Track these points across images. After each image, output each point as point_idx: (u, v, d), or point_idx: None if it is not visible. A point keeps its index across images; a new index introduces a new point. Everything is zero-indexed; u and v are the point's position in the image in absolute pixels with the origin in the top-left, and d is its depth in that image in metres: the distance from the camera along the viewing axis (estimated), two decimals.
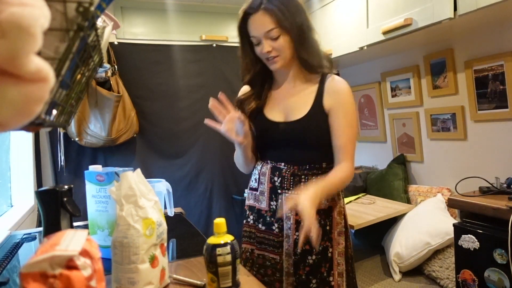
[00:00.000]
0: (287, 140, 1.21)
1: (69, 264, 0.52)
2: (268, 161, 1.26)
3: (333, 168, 1.18)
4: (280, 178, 1.22)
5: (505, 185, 1.50)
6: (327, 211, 1.25)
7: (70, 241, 0.56)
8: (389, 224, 2.01)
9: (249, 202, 1.32)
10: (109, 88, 2.11)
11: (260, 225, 1.26)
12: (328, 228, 1.25)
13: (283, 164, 1.22)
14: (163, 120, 2.36)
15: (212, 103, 1.18)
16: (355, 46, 2.10)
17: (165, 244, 0.86)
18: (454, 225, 1.50)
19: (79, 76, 0.62)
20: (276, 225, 1.23)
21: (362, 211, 2.02)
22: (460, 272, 1.46)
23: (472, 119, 1.92)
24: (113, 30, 1.06)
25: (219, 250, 0.78)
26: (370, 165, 2.64)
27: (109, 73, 2.07)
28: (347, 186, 2.35)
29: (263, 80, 1.28)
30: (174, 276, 0.89)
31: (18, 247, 1.18)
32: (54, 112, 0.52)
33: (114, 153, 2.23)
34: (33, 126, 0.48)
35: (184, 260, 1.03)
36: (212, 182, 2.46)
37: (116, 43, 2.23)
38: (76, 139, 2.06)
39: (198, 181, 2.43)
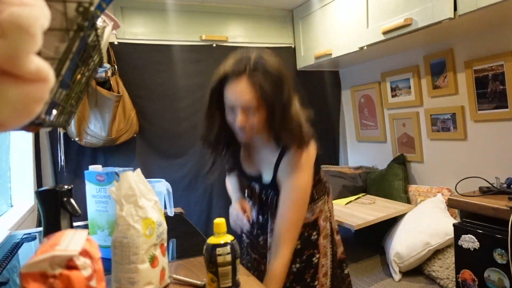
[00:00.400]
0: (266, 195, 1.25)
1: (69, 264, 0.52)
2: None
3: (273, 260, 1.10)
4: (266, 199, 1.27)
5: (505, 185, 1.50)
6: (313, 223, 1.26)
7: (70, 241, 0.56)
8: (389, 224, 2.01)
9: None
10: (109, 88, 2.11)
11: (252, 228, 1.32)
12: (315, 237, 1.26)
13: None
14: (163, 120, 2.36)
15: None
16: (355, 46, 2.11)
17: (165, 244, 0.86)
18: (454, 225, 1.50)
19: (79, 76, 0.62)
20: (262, 237, 1.28)
21: (362, 211, 2.02)
22: (460, 272, 1.46)
23: (472, 119, 1.92)
24: (113, 30, 1.06)
25: (219, 250, 0.78)
26: (370, 165, 2.64)
27: (109, 73, 2.07)
28: (347, 186, 2.36)
29: (228, 141, 1.19)
30: (174, 276, 0.89)
31: (18, 247, 1.18)
32: (54, 112, 0.52)
33: (114, 153, 2.23)
34: (33, 126, 0.48)
35: (184, 260, 1.03)
36: (212, 182, 2.46)
37: (116, 43, 2.23)
38: (76, 139, 2.06)
39: (198, 181, 2.43)
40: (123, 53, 2.25)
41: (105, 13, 0.85)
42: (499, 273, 1.32)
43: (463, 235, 1.44)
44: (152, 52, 2.33)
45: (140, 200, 0.79)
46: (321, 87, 2.85)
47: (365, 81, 2.63)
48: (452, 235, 1.54)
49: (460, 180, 1.65)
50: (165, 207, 1.40)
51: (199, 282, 0.86)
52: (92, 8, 0.45)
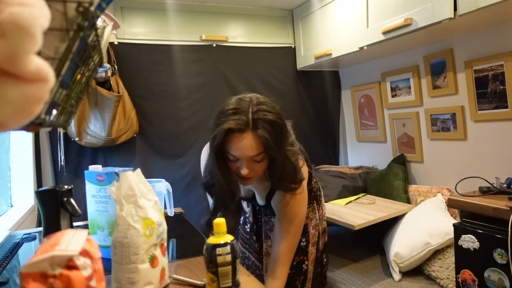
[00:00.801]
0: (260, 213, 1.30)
1: (69, 264, 0.52)
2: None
3: (269, 284, 1.15)
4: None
5: (505, 185, 1.50)
6: (303, 229, 1.30)
7: (70, 241, 0.56)
8: (389, 224, 2.01)
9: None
10: (109, 88, 2.11)
11: (246, 227, 1.37)
12: (304, 243, 1.32)
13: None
14: (163, 120, 2.36)
15: None
16: (355, 46, 2.10)
17: (165, 244, 0.86)
18: (454, 225, 1.50)
19: (79, 76, 0.62)
20: (257, 244, 1.34)
21: (362, 211, 2.02)
22: (460, 272, 1.46)
23: (472, 119, 1.92)
24: (113, 30, 1.06)
25: (219, 250, 0.78)
26: (370, 165, 2.64)
27: (109, 73, 2.07)
28: (347, 186, 2.36)
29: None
30: (174, 276, 0.89)
31: (18, 247, 1.18)
32: (54, 112, 0.52)
33: (114, 153, 2.23)
34: (33, 126, 0.48)
35: (184, 260, 1.03)
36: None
37: (116, 43, 2.23)
38: (76, 139, 2.06)
39: (198, 181, 2.42)
40: (123, 53, 2.25)
41: (105, 13, 0.85)
42: (499, 273, 1.32)
43: (463, 235, 1.44)
44: (152, 52, 2.33)
45: (140, 200, 0.79)
46: (321, 87, 2.85)
47: (365, 81, 2.63)
48: (452, 235, 1.54)
49: (460, 180, 1.64)
50: (165, 207, 1.40)
51: (199, 282, 0.86)
52: (92, 8, 0.45)
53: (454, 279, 1.51)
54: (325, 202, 2.22)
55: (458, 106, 1.97)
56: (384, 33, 1.87)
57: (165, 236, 0.85)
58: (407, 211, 2.01)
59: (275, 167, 1.04)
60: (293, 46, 2.72)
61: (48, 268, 0.50)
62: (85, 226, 1.23)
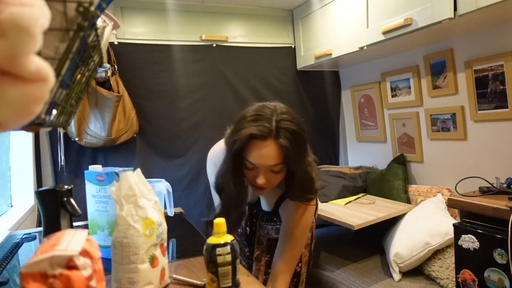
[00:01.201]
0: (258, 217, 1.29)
1: (69, 264, 0.52)
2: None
3: (272, 282, 1.15)
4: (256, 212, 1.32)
5: (505, 185, 1.50)
6: None
7: (70, 241, 0.56)
8: (389, 224, 2.01)
9: None
10: (109, 88, 2.11)
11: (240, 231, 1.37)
12: None
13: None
14: (163, 120, 2.36)
15: None
16: (355, 46, 2.10)
17: (165, 244, 0.86)
18: (454, 225, 1.50)
19: (79, 76, 0.62)
20: (248, 248, 1.33)
21: (362, 211, 2.02)
22: (460, 272, 1.46)
23: (472, 119, 1.92)
24: (113, 30, 1.06)
25: (219, 250, 0.78)
26: (370, 165, 2.64)
27: (109, 73, 2.07)
28: (347, 186, 2.36)
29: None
30: (174, 276, 0.89)
31: (18, 247, 1.18)
32: (54, 112, 0.52)
33: (114, 153, 2.23)
34: (33, 126, 0.48)
35: (184, 260, 1.03)
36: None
37: (116, 43, 2.23)
38: (76, 139, 2.06)
39: (198, 181, 2.43)
40: (123, 53, 2.25)
41: (105, 13, 0.85)
42: (499, 273, 1.32)
43: (463, 235, 1.44)
44: (152, 52, 2.33)
45: (140, 200, 0.79)
46: (321, 87, 2.85)
47: (365, 81, 2.63)
48: (452, 235, 1.54)
49: (460, 180, 1.64)
50: (165, 207, 1.40)
51: (199, 282, 0.86)
52: (92, 8, 0.45)
53: (454, 279, 1.51)
54: (325, 202, 2.23)
55: (458, 106, 1.97)
56: (384, 33, 1.87)
57: (165, 236, 0.85)
58: (407, 211, 2.01)
59: (293, 178, 1.03)
60: (293, 46, 2.72)
61: (48, 268, 0.50)
62: (85, 226, 1.23)
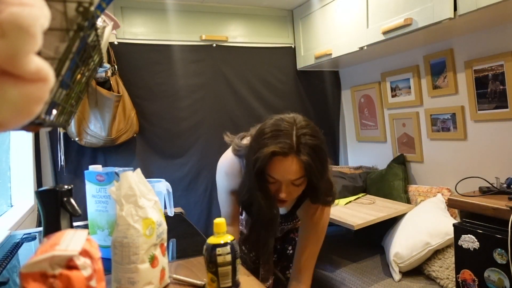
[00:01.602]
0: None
1: (69, 264, 0.52)
2: None
3: (296, 282, 1.19)
4: None
5: (505, 185, 1.50)
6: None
7: (70, 241, 0.56)
8: (389, 224, 2.01)
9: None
10: (109, 88, 2.11)
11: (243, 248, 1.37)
12: None
13: None
14: (163, 120, 2.36)
15: None
16: (355, 46, 2.10)
17: (165, 244, 0.86)
18: (454, 225, 1.50)
19: (79, 76, 0.62)
20: (253, 253, 1.34)
21: (362, 211, 2.02)
22: (460, 272, 1.46)
23: (472, 119, 1.92)
24: (113, 30, 1.06)
25: (219, 250, 0.78)
26: (370, 165, 2.64)
27: (109, 73, 2.07)
28: (347, 186, 2.36)
29: None
30: (174, 276, 0.89)
31: (18, 247, 1.18)
32: (54, 112, 0.52)
33: (114, 153, 2.23)
34: (33, 126, 0.48)
35: (184, 260, 1.03)
36: (212, 182, 2.46)
37: (116, 43, 2.23)
38: (76, 139, 2.06)
39: (198, 181, 2.43)
40: (123, 53, 2.25)
41: (105, 13, 0.85)
42: (499, 273, 1.32)
43: (463, 235, 1.44)
44: (152, 52, 2.33)
45: (140, 200, 0.79)
46: (321, 87, 2.85)
47: (365, 81, 2.63)
48: (452, 235, 1.54)
49: (460, 180, 1.64)
50: (165, 207, 1.40)
51: (199, 282, 0.86)
52: (92, 8, 0.45)
53: (454, 279, 1.51)
54: None
55: (458, 106, 1.97)
56: (384, 33, 1.87)
57: (165, 236, 0.85)
58: (407, 211, 2.01)
59: (315, 189, 1.04)
60: (293, 46, 2.72)
61: (48, 268, 0.50)
62: (85, 226, 1.23)
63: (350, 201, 2.24)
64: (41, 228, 1.06)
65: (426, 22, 1.65)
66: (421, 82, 2.19)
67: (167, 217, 0.99)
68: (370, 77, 2.57)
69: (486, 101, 1.83)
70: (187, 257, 1.04)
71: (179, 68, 2.39)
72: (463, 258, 1.45)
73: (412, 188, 2.22)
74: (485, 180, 1.57)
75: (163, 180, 1.42)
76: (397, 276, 1.78)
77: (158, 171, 2.30)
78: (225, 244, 0.79)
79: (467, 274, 1.43)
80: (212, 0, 2.42)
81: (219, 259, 0.78)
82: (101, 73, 2.01)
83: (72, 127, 2.03)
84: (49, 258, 0.50)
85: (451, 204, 1.55)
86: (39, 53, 0.34)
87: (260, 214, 1.08)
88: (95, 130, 2.06)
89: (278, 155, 0.95)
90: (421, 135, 2.26)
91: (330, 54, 2.30)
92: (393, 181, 2.26)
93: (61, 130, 2.06)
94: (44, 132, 2.08)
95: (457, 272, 1.48)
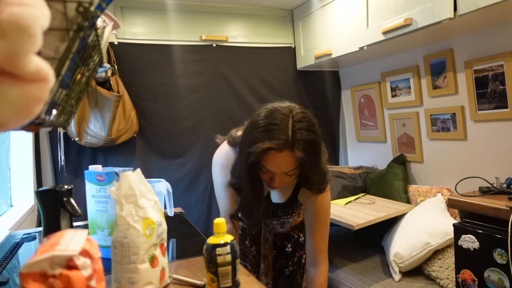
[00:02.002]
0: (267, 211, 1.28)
1: (69, 264, 0.52)
2: None
3: (314, 272, 1.20)
4: None
5: (505, 185, 1.50)
6: (300, 225, 1.34)
7: (70, 241, 0.56)
8: (389, 224, 2.01)
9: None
10: (109, 88, 2.11)
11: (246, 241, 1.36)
12: (302, 238, 1.35)
13: None
14: (163, 120, 2.36)
15: None
16: (355, 46, 2.10)
17: (165, 244, 0.86)
18: (454, 225, 1.50)
19: (79, 76, 0.62)
20: (254, 247, 1.33)
21: (362, 211, 2.02)
22: (460, 272, 1.46)
23: (472, 119, 1.92)
24: (113, 30, 1.05)
25: (219, 250, 0.78)
26: (370, 165, 2.64)
27: (109, 73, 2.07)
28: (347, 186, 2.36)
29: None
30: (174, 276, 0.89)
31: (18, 247, 1.18)
32: (54, 112, 0.52)
33: (114, 153, 2.23)
34: (33, 126, 0.48)
35: (184, 260, 1.03)
36: (212, 182, 2.46)
37: (116, 43, 2.23)
38: (76, 139, 2.06)
39: (198, 181, 2.43)
40: (123, 53, 2.25)
41: (105, 13, 0.85)
42: (499, 273, 1.32)
43: (463, 235, 1.44)
44: (152, 52, 2.33)
45: (140, 200, 0.79)
46: (321, 87, 2.85)
47: (365, 81, 2.63)
48: (452, 235, 1.54)
49: (460, 180, 1.64)
50: (165, 207, 1.40)
51: (199, 282, 0.86)
52: (92, 8, 0.45)
53: (454, 279, 1.51)
54: None
55: (458, 106, 1.97)
56: (384, 33, 1.87)
57: (165, 236, 0.85)
58: (407, 211, 2.01)
59: (309, 177, 1.05)
60: (293, 46, 2.72)
61: (48, 268, 0.50)
62: (85, 226, 1.23)
63: (350, 201, 2.24)
64: (41, 228, 1.05)
65: (426, 22, 1.65)
66: (421, 82, 2.19)
67: (167, 217, 0.99)
68: (370, 77, 2.57)
69: (486, 101, 1.83)
70: (187, 257, 1.04)
71: (179, 68, 2.39)
72: (463, 258, 1.45)
73: (412, 188, 2.22)
74: (485, 180, 1.57)
75: (163, 180, 1.42)
76: (397, 276, 1.78)
77: (158, 171, 2.30)
78: (225, 244, 0.79)
79: (467, 274, 1.43)
80: (212, 0, 2.42)
81: (219, 259, 0.78)
82: (101, 73, 2.01)
83: (72, 127, 2.03)
84: (49, 258, 0.50)
85: (451, 204, 1.55)
86: (39, 53, 0.34)
87: (246, 202, 1.13)
88: (95, 130, 2.06)
89: (272, 150, 0.94)
90: (421, 135, 2.26)
91: (330, 54, 2.30)
92: (393, 181, 2.26)
93: (61, 130, 2.06)
94: (44, 132, 2.08)
95: (457, 272, 1.48)
